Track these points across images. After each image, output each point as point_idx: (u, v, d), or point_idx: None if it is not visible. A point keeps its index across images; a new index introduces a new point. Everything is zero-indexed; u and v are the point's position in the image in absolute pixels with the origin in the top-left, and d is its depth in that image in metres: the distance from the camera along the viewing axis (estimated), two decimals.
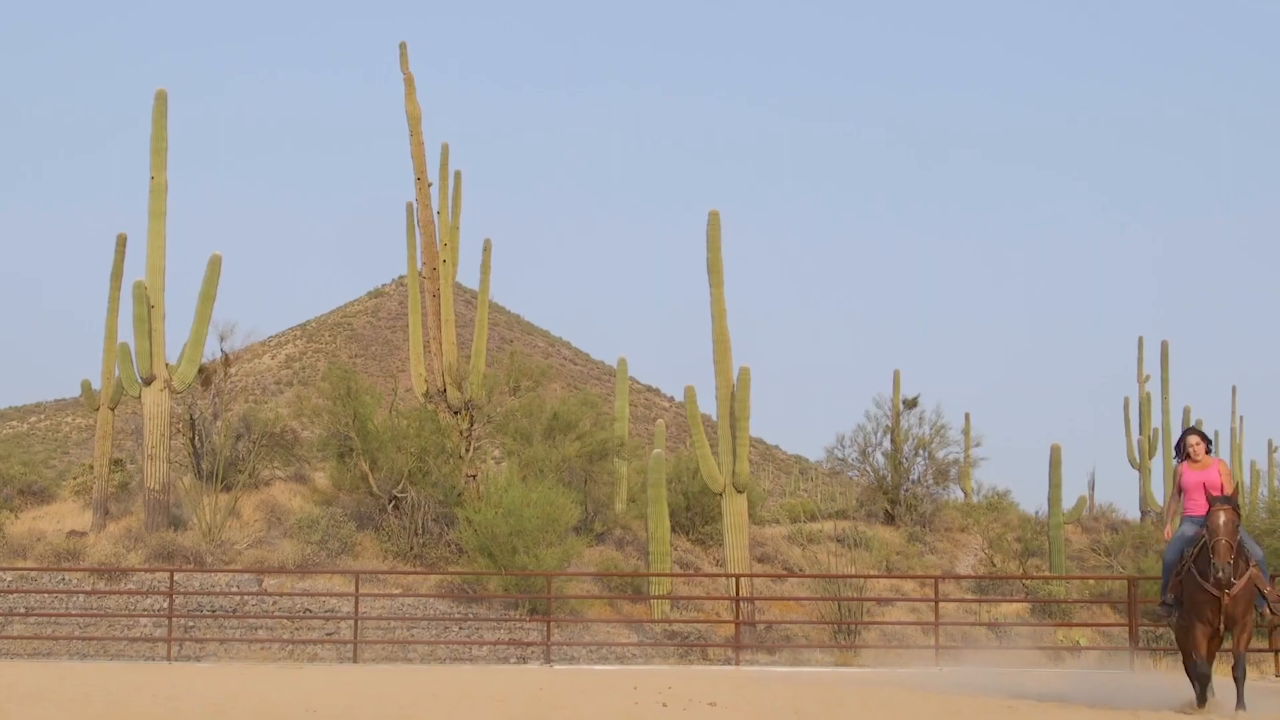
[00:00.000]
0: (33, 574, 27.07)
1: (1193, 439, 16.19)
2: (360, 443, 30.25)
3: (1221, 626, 15.35)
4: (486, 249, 32.51)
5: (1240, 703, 15.15)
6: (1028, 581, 31.67)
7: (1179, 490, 16.23)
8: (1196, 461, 16.12)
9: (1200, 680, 15.47)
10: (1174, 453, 16.51)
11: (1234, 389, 48.78)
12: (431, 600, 27.12)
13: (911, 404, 39.17)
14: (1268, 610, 15.68)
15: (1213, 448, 16.44)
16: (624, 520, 32.81)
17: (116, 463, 31.95)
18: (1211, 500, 15.35)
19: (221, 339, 31.97)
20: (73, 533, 29.47)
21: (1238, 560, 15.20)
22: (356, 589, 25.77)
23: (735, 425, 29.01)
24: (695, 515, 33.44)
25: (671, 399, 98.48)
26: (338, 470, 30.85)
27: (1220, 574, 14.87)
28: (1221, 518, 15.13)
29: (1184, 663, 15.92)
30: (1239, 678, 15.27)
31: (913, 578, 30.64)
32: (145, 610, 26.31)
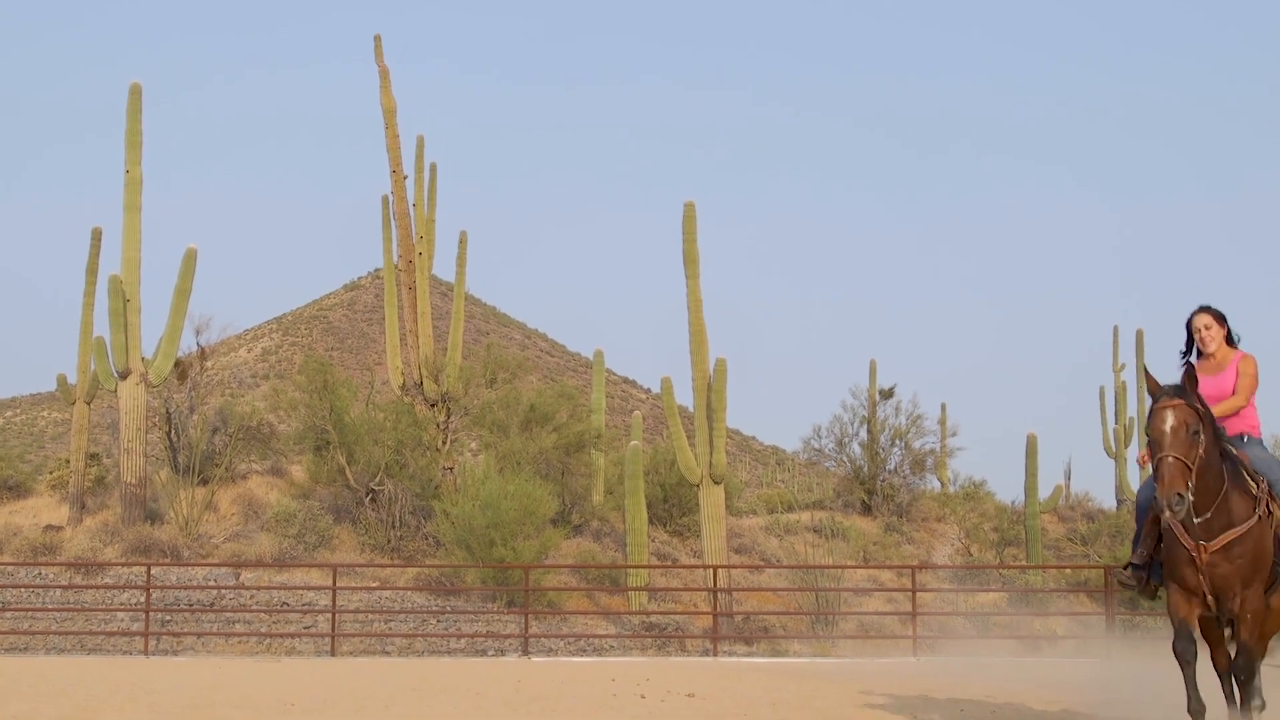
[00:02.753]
0: (9, 569, 26.99)
1: (1202, 319, 11.19)
2: (337, 436, 30.21)
3: (1210, 599, 10.49)
4: (462, 241, 32.46)
5: (1242, 705, 10.78)
6: (1005, 571, 31.76)
7: None
8: (1210, 356, 11.23)
9: (1188, 676, 10.58)
10: (1183, 350, 11.36)
11: None
12: (409, 593, 27.10)
13: (888, 394, 39.22)
14: None
15: (1238, 338, 11.34)
16: (601, 512, 32.81)
17: (93, 457, 31.85)
18: (1156, 393, 10.22)
19: (197, 333, 31.92)
20: (49, 527, 29.38)
21: (1209, 490, 10.17)
22: (334, 582, 25.74)
23: (712, 416, 29.04)
24: (672, 507, 33.45)
25: (648, 390, 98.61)
26: (314, 463, 30.80)
27: (1169, 510, 9.76)
28: (1168, 420, 9.99)
29: (1173, 648, 10.70)
30: (1240, 677, 10.76)
31: (890, 568, 30.73)
32: (122, 604, 26.24)
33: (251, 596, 26.62)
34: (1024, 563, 33.04)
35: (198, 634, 25.71)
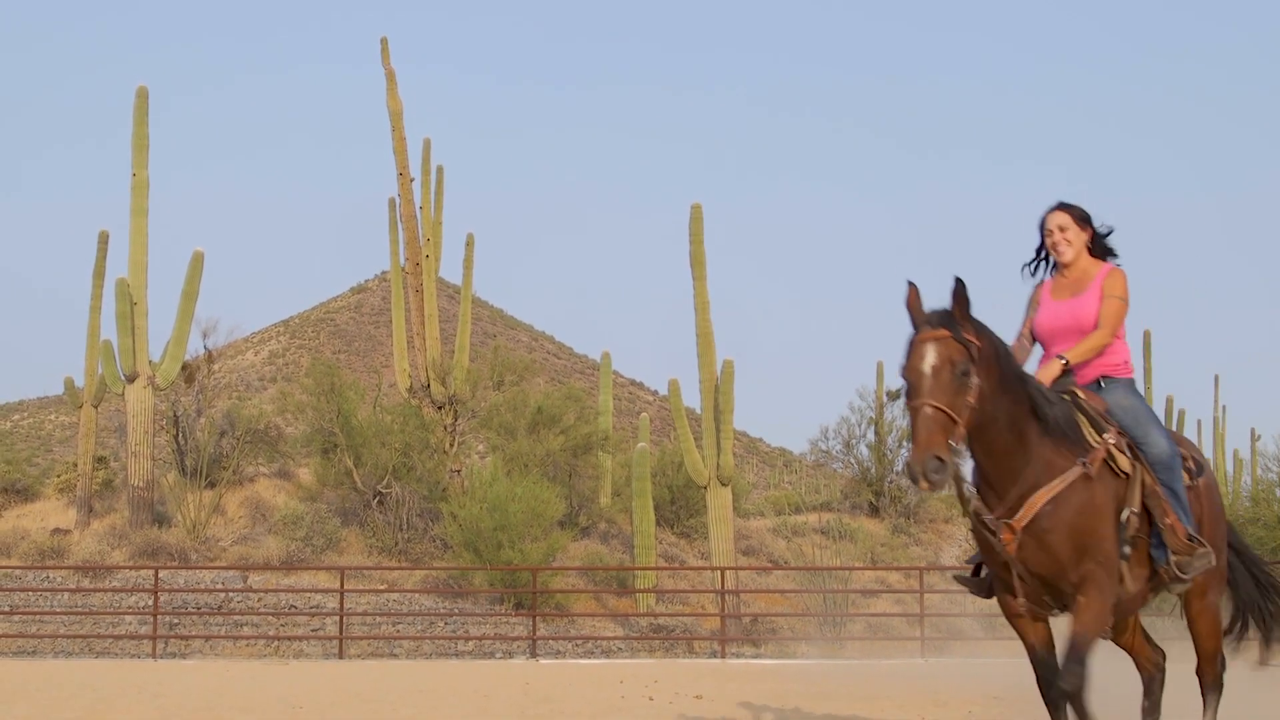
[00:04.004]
0: (17, 572, 27.01)
1: (1057, 218, 8.37)
2: (344, 438, 30.21)
3: (1021, 596, 7.88)
4: (469, 244, 32.47)
5: None
6: None
7: (1027, 336, 8.55)
8: (1066, 268, 8.42)
9: (1048, 693, 7.99)
10: (1029, 260, 8.62)
11: (1216, 378, 48.89)
12: (417, 595, 27.10)
13: (895, 396, 39.17)
14: (1169, 568, 7.95)
15: (1111, 249, 8.51)
16: (609, 514, 32.80)
17: (100, 460, 31.86)
18: (917, 322, 7.40)
19: (204, 335, 31.95)
20: (57, 530, 29.40)
21: (1000, 450, 7.50)
22: (341, 585, 25.75)
23: (719, 418, 29.03)
24: (680, 509, 33.44)
25: (655, 393, 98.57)
26: (322, 466, 30.80)
27: (924, 481, 6.96)
28: (926, 358, 7.24)
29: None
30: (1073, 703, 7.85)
31: (897, 569, 30.71)
32: (130, 607, 26.25)
33: (259, 599, 26.63)
34: None
35: (205, 637, 25.72)
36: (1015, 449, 7.54)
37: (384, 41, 32.25)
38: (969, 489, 7.66)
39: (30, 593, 26.44)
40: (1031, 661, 8.18)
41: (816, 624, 27.69)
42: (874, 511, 37.69)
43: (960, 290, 7.41)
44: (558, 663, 24.21)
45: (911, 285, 7.47)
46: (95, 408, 31.42)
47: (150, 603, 25.86)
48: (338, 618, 25.65)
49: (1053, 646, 8.15)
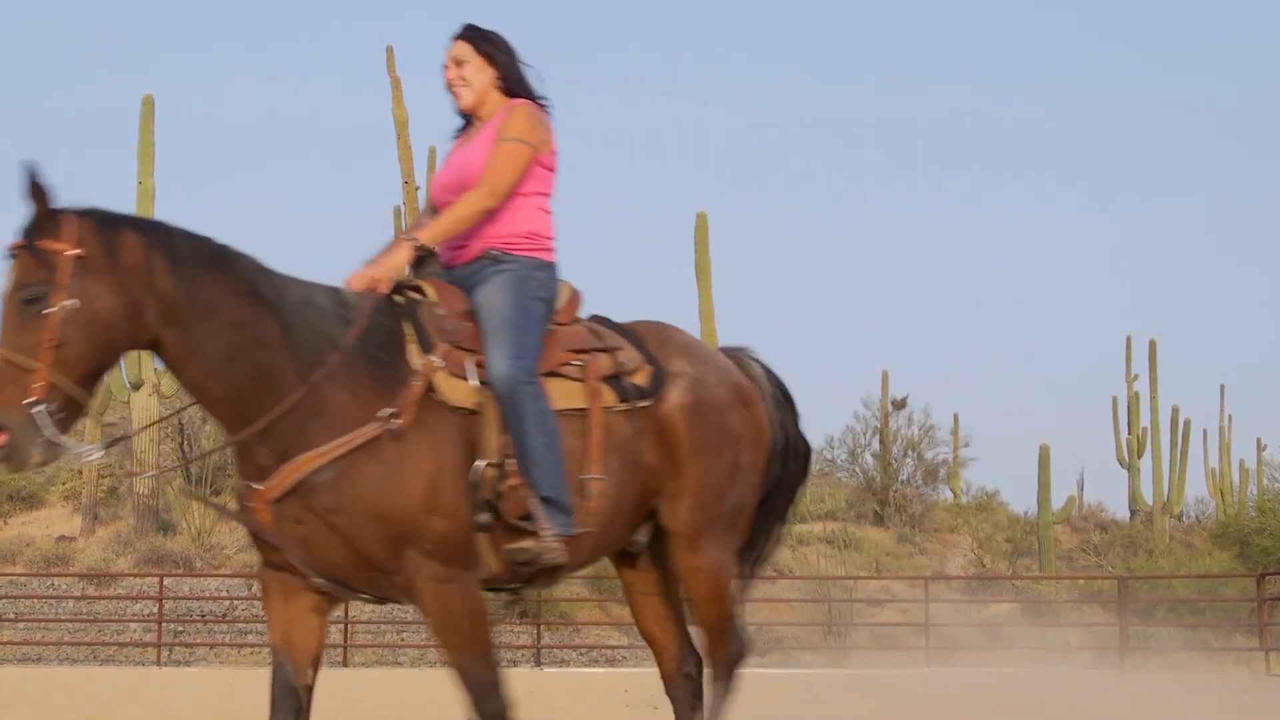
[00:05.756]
0: (22, 579, 27.02)
1: (455, 50, 6.09)
2: None
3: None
4: None
5: None
6: (1017, 582, 31.68)
7: (427, 211, 6.41)
8: (476, 115, 6.18)
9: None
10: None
11: (1222, 387, 48.85)
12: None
13: (900, 405, 39.21)
14: (532, 544, 5.54)
15: (532, 90, 6.17)
16: None
17: (105, 468, 31.89)
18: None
19: None
20: (62, 538, 29.42)
21: (238, 393, 5.26)
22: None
23: None
24: None
25: None
26: None
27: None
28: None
29: None
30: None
31: (902, 579, 30.68)
32: (135, 615, 26.25)
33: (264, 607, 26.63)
34: (1037, 573, 32.97)
35: (210, 644, 25.72)
36: (253, 392, 5.24)
37: (389, 50, 32.26)
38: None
39: (35, 600, 26.45)
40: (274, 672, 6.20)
41: (821, 633, 27.66)
42: (879, 521, 37.66)
43: (34, 182, 5.01)
44: (562, 671, 24.19)
45: (30, 170, 5.02)
46: (100, 415, 31.43)
47: (155, 610, 25.85)
48: (342, 625, 25.64)
49: (298, 655, 6.16)
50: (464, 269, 5.94)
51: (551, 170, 6.12)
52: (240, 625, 26.16)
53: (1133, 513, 41.51)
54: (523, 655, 25.86)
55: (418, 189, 31.77)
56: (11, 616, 26.18)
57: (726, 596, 6.32)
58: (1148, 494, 40.93)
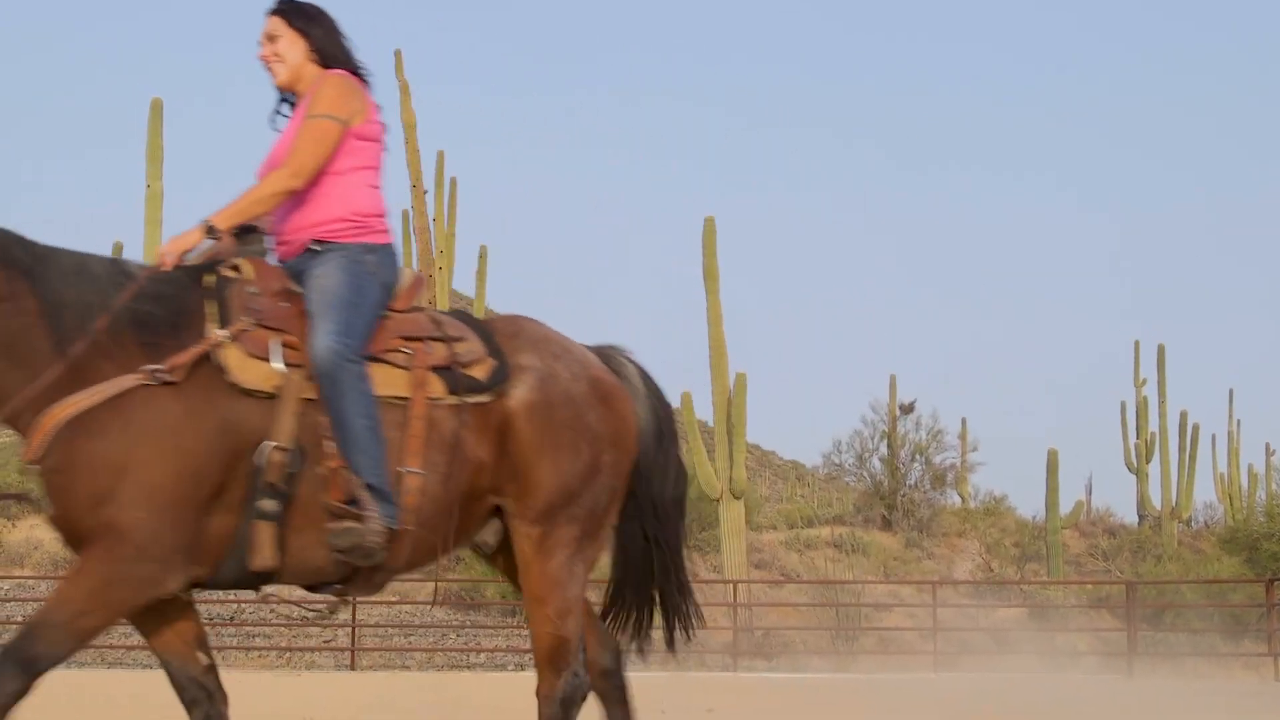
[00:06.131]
0: (30, 582, 27.03)
1: (268, 25, 5.78)
2: None
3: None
4: (482, 256, 32.54)
5: None
6: (1026, 587, 31.64)
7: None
8: (295, 91, 5.82)
9: None
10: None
11: (1231, 392, 48.76)
12: (429, 607, 27.07)
13: (908, 409, 39.19)
14: (357, 525, 5.34)
15: (351, 59, 5.87)
16: None
17: None
18: None
19: None
20: None
21: None
22: (354, 596, 25.72)
23: (732, 432, 29.00)
24: (692, 522, 33.39)
25: None
26: None
27: None
28: None
29: None
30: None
31: (910, 583, 30.65)
32: None
33: (271, 610, 26.61)
34: (1045, 578, 32.92)
35: (218, 648, 25.68)
36: (4, 368, 5.09)
37: (398, 54, 32.29)
38: None
39: (43, 603, 26.45)
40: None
41: (829, 638, 27.62)
42: (887, 525, 37.63)
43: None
44: None
45: None
46: None
47: None
48: (350, 629, 25.62)
49: (183, 651, 6.19)
50: (295, 263, 5.66)
51: (373, 141, 5.79)
52: (248, 629, 26.15)
53: (1141, 518, 41.48)
54: (530, 659, 25.83)
55: (426, 193, 31.79)
56: (20, 620, 26.19)
57: (568, 613, 5.88)
58: (1156, 499, 40.91)
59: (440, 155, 32.11)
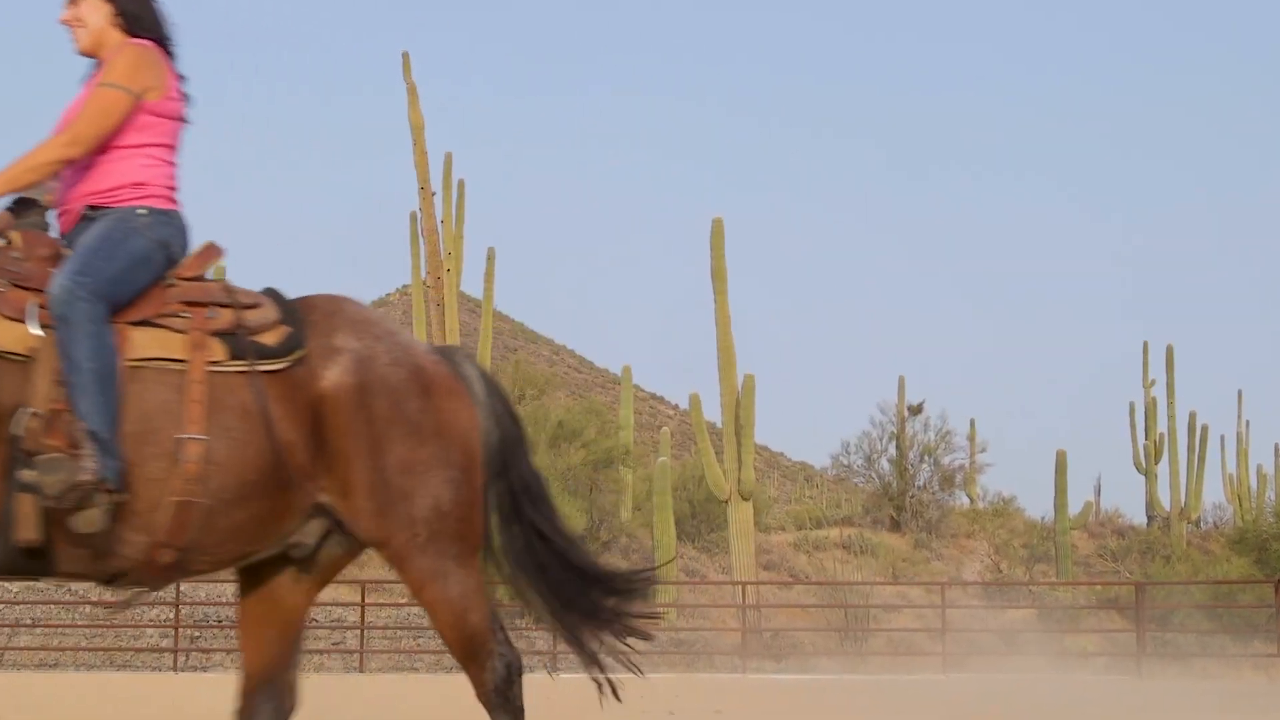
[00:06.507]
0: (39, 585, 27.07)
1: None
2: None
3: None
4: (490, 257, 32.55)
5: None
6: (1034, 588, 31.60)
7: None
8: (99, 60, 5.40)
9: None
10: None
11: (1240, 393, 48.63)
12: None
13: (916, 410, 39.17)
14: (61, 456, 4.77)
15: (160, 30, 5.49)
16: (629, 528, 32.78)
17: None
18: None
19: None
20: None
21: None
22: (362, 598, 25.73)
23: (740, 433, 29.00)
24: (701, 523, 33.41)
25: (676, 407, 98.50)
26: None
27: None
28: None
29: None
30: None
31: (919, 584, 30.64)
32: (151, 621, 26.28)
33: None
34: (1054, 579, 32.91)
35: (227, 650, 25.73)
36: None
37: (405, 56, 32.34)
38: None
39: (52, 605, 26.49)
40: None
41: (838, 639, 27.62)
42: (895, 526, 37.63)
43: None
44: (577, 677, 24.11)
45: None
46: None
47: (172, 615, 25.87)
48: (359, 631, 25.64)
49: None
50: (73, 233, 5.29)
51: (170, 118, 5.43)
52: None
53: (1150, 518, 41.43)
54: (538, 661, 25.82)
55: (434, 194, 31.82)
56: (29, 622, 26.21)
57: (464, 610, 5.81)
58: (1165, 500, 40.86)
59: (448, 157, 32.17)
